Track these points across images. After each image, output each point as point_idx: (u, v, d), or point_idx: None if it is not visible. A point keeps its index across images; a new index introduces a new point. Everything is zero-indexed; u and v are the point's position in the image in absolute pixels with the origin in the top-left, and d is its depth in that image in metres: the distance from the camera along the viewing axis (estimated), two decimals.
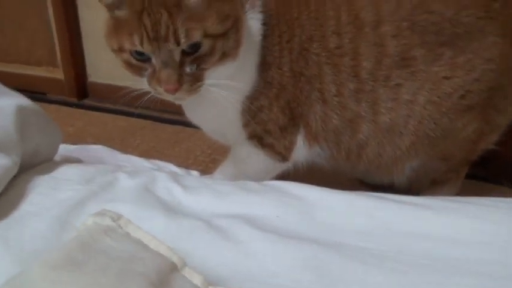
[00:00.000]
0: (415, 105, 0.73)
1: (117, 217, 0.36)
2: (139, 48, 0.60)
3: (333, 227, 0.50)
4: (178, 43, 0.58)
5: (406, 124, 0.74)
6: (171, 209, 0.53)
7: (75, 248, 0.31)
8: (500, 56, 0.72)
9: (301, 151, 0.79)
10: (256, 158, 0.79)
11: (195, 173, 0.89)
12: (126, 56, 0.63)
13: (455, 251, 0.43)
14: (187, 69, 0.61)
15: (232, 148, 0.85)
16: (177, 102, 0.69)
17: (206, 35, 0.59)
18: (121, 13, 0.61)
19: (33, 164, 0.61)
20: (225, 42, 0.62)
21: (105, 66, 1.53)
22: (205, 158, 1.15)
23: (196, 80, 0.62)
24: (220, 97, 0.65)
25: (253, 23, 0.69)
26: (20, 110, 0.59)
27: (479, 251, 0.42)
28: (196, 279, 0.36)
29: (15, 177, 0.56)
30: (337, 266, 0.41)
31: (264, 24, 0.70)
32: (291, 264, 0.42)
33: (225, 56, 0.63)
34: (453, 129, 0.75)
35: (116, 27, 0.62)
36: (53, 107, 1.52)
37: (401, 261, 0.41)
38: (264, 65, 0.70)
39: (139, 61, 0.62)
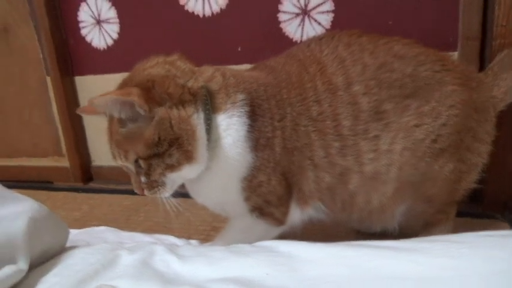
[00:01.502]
0: (393, 154, 0.78)
1: None
2: None
3: (319, 279, 0.53)
4: (122, 161, 0.74)
5: (388, 172, 0.79)
6: (167, 280, 0.57)
7: None
8: (461, 102, 0.79)
9: (295, 214, 0.83)
10: (257, 227, 0.83)
11: (194, 242, 0.92)
12: None
13: None
14: (142, 179, 0.74)
15: (232, 219, 0.88)
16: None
17: (138, 157, 0.71)
18: None
19: (43, 261, 0.65)
20: (164, 159, 0.71)
21: (107, 150, 1.62)
22: (206, 226, 1.18)
23: (152, 187, 0.74)
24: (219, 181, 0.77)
25: (235, 120, 0.74)
26: (31, 220, 0.63)
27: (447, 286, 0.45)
28: None
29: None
30: None
31: (252, 113, 0.75)
32: None
33: (172, 167, 0.72)
34: (431, 172, 0.80)
35: None
36: (60, 194, 1.59)
37: None
38: (258, 147, 0.75)
39: None
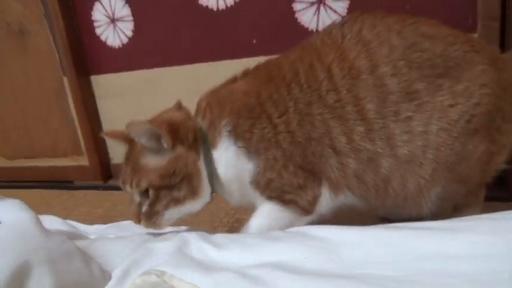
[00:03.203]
0: (429, 135, 0.77)
1: (161, 273, 0.41)
2: None
3: (356, 261, 0.53)
4: (131, 188, 0.78)
5: (425, 154, 0.78)
6: (205, 267, 0.58)
7: None
8: (492, 81, 0.79)
9: (328, 202, 0.83)
10: (282, 215, 0.82)
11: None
12: None
13: (466, 266, 0.45)
14: (143, 209, 0.79)
15: (259, 207, 0.86)
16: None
17: (150, 186, 0.76)
18: None
19: None
20: (172, 192, 0.77)
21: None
22: (229, 218, 1.19)
23: (150, 218, 0.78)
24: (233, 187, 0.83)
25: (228, 151, 0.79)
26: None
27: (486, 263, 0.44)
28: None
29: None
30: None
31: (237, 126, 0.78)
32: None
33: (177, 201, 0.78)
34: (466, 152, 0.79)
35: None
36: (81, 193, 1.61)
37: (423, 282, 0.44)
38: (258, 152, 0.78)
39: None
